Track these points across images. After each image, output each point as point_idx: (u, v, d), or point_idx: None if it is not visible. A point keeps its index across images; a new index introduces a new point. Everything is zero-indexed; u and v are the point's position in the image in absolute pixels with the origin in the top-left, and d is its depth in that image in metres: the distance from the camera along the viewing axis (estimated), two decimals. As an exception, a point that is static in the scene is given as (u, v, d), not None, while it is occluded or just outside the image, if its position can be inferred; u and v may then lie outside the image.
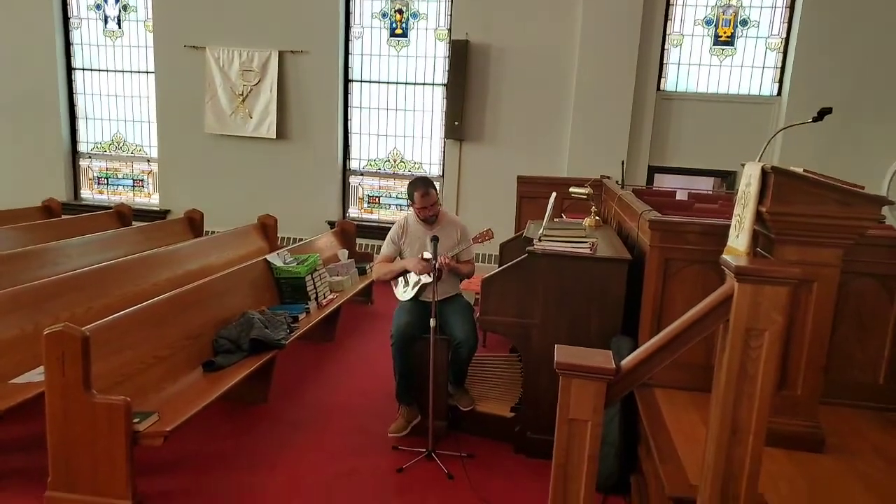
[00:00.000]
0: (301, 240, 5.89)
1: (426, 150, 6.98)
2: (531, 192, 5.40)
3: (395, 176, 7.12)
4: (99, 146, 7.69)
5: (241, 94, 6.90)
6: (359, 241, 6.46)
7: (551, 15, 6.29)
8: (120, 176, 7.71)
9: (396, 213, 7.15)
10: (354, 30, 6.89)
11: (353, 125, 7.06)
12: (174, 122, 7.20)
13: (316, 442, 3.33)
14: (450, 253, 3.38)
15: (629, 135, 6.24)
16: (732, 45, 6.36)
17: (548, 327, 3.15)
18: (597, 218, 4.17)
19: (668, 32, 6.38)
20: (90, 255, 4.65)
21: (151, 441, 2.59)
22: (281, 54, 6.78)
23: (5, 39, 7.33)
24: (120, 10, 7.34)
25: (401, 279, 3.55)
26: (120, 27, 7.38)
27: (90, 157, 7.72)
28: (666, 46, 6.40)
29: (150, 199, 7.65)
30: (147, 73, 7.34)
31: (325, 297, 4.68)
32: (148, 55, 7.28)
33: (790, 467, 2.23)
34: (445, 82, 6.67)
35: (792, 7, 6.16)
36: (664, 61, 6.42)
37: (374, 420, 3.56)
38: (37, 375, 2.93)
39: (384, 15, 6.82)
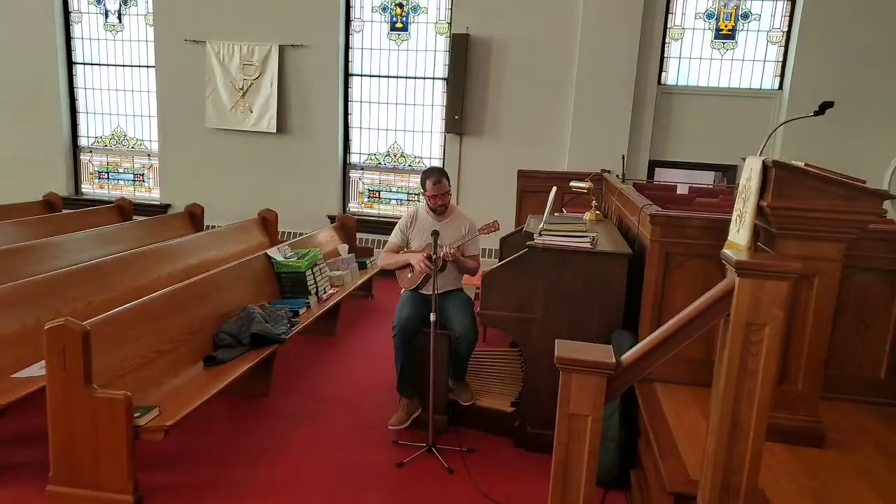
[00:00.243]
0: (301, 234, 5.88)
1: (426, 145, 6.96)
2: (531, 187, 5.40)
3: (395, 170, 7.10)
4: (99, 141, 7.68)
5: (242, 89, 6.89)
6: (359, 235, 6.45)
7: (552, 8, 6.26)
8: (120, 170, 7.70)
9: (397, 207, 7.14)
10: (355, 24, 6.86)
11: (354, 119, 7.05)
12: (175, 117, 7.18)
13: (317, 436, 3.34)
14: (456, 243, 3.38)
15: (630, 129, 6.21)
16: (733, 38, 6.32)
17: (548, 322, 3.15)
18: (597, 212, 4.17)
19: (668, 26, 6.35)
20: (91, 250, 4.65)
21: (152, 435, 2.59)
22: (281, 48, 6.76)
23: (6, 34, 7.31)
24: (120, 5, 7.31)
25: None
26: (120, 21, 7.35)
27: (91, 152, 7.71)
28: (667, 40, 6.37)
29: (150, 193, 7.64)
30: (147, 67, 7.32)
31: (325, 292, 4.69)
32: (148, 49, 7.26)
33: (791, 462, 2.23)
34: (446, 76, 6.64)
35: (793, 0, 6.12)
36: (665, 55, 6.39)
37: (375, 414, 3.57)
38: (38, 370, 2.93)
39: (384, 9, 6.79)
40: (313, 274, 4.58)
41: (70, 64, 7.47)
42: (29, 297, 3.30)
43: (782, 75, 6.25)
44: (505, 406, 3.46)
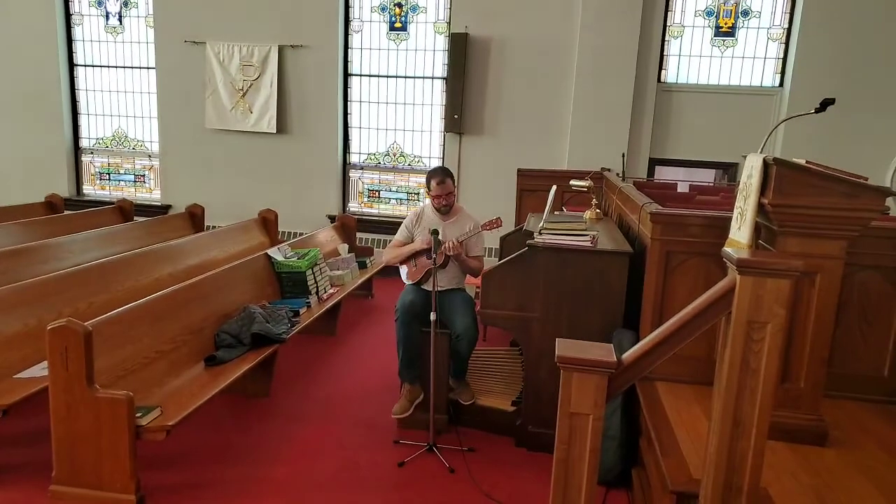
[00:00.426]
0: (302, 234, 5.88)
1: (426, 144, 6.96)
2: (531, 185, 5.39)
3: (394, 170, 7.10)
4: (101, 142, 7.68)
5: (242, 89, 6.89)
6: (359, 235, 6.45)
7: (551, 7, 6.25)
8: (121, 171, 7.71)
9: (397, 207, 7.14)
10: (354, 24, 6.86)
11: (353, 119, 7.04)
12: (175, 118, 7.19)
13: (317, 435, 3.34)
14: (459, 237, 3.41)
15: (630, 127, 6.21)
16: (733, 35, 6.31)
17: (548, 321, 3.15)
18: (597, 211, 4.16)
19: (668, 24, 6.34)
20: (92, 251, 4.66)
21: (154, 435, 2.60)
22: (281, 49, 6.76)
23: (8, 37, 7.32)
24: (121, 7, 7.31)
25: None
26: (121, 23, 7.36)
27: (92, 153, 7.72)
28: (666, 38, 6.36)
29: (151, 194, 7.65)
30: (148, 68, 7.33)
31: (325, 292, 4.69)
32: (149, 51, 7.27)
33: (793, 461, 2.23)
34: (445, 76, 6.64)
35: (794, -3, 6.11)
36: (665, 53, 6.38)
37: (376, 413, 3.57)
38: (40, 370, 2.94)
39: (383, 9, 6.78)
40: (313, 274, 4.58)
41: (71, 66, 7.48)
42: (31, 298, 3.30)
43: (783, 72, 6.24)
44: (506, 405, 3.45)
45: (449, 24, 6.57)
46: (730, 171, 6.43)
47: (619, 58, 6.09)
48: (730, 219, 2.44)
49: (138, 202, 7.04)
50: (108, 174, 7.73)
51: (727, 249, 1.80)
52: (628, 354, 1.78)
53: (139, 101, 7.48)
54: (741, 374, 1.70)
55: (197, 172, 7.20)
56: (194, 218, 6.14)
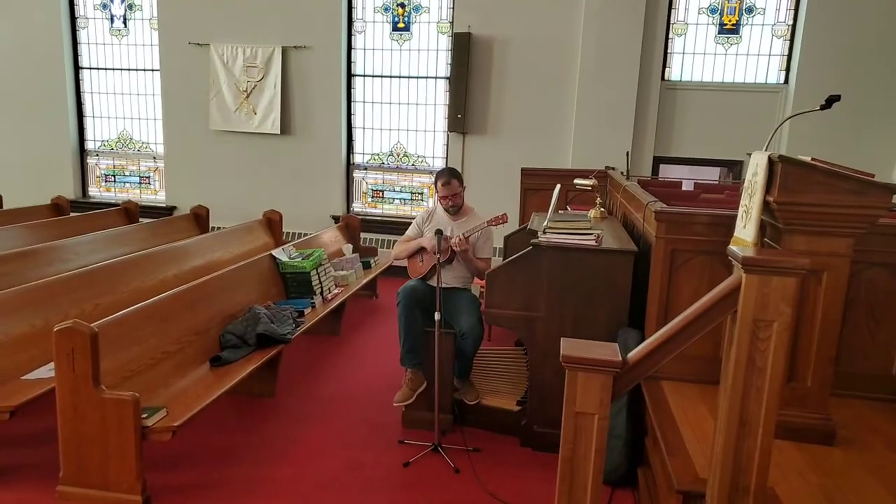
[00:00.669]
0: (306, 235, 5.90)
1: (429, 144, 6.96)
2: (535, 185, 5.38)
3: (398, 170, 7.10)
4: (106, 144, 7.72)
5: (245, 91, 6.91)
6: (363, 235, 6.46)
7: (554, 5, 6.24)
8: (126, 173, 7.75)
9: (401, 207, 7.15)
10: (357, 24, 6.86)
11: (357, 119, 7.05)
12: (179, 119, 7.22)
13: (322, 435, 3.34)
14: (466, 233, 3.42)
15: (634, 125, 6.19)
16: (738, 33, 6.28)
17: (553, 320, 3.14)
18: (602, 209, 4.15)
19: (672, 21, 6.31)
20: (98, 252, 4.68)
21: (160, 436, 2.61)
22: (284, 50, 6.77)
23: (15, 40, 7.37)
24: (125, 10, 7.35)
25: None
26: (125, 26, 7.39)
27: (97, 155, 7.76)
28: (670, 36, 6.34)
29: (156, 195, 7.68)
30: (153, 70, 7.36)
31: (330, 292, 4.69)
32: (153, 53, 7.30)
33: (800, 460, 2.21)
34: (448, 75, 6.64)
35: (799, -6, 6.08)
36: (668, 51, 6.36)
37: (381, 413, 3.57)
38: (47, 371, 2.95)
39: (386, 9, 6.79)
40: (318, 274, 4.59)
41: (77, 69, 7.52)
42: (38, 300, 3.32)
43: (787, 69, 6.21)
44: (511, 405, 3.45)
45: (452, 23, 6.57)
46: (735, 168, 6.40)
47: (622, 56, 6.07)
48: (735, 217, 2.43)
49: (143, 204, 7.06)
50: (114, 176, 7.77)
51: (732, 248, 1.79)
52: (633, 353, 1.77)
53: (144, 103, 7.52)
54: (747, 372, 1.69)
55: (201, 174, 7.22)
56: (199, 219, 6.16)
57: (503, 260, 3.48)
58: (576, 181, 4.22)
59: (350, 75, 6.94)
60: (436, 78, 6.81)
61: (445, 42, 6.69)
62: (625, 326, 3.08)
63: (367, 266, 5.63)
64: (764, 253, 1.77)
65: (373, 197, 7.22)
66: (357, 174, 7.19)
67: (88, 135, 7.70)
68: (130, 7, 7.33)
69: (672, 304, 2.81)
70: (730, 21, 6.28)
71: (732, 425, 1.71)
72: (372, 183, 7.20)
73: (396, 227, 6.62)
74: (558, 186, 3.74)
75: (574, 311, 3.12)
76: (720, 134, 6.25)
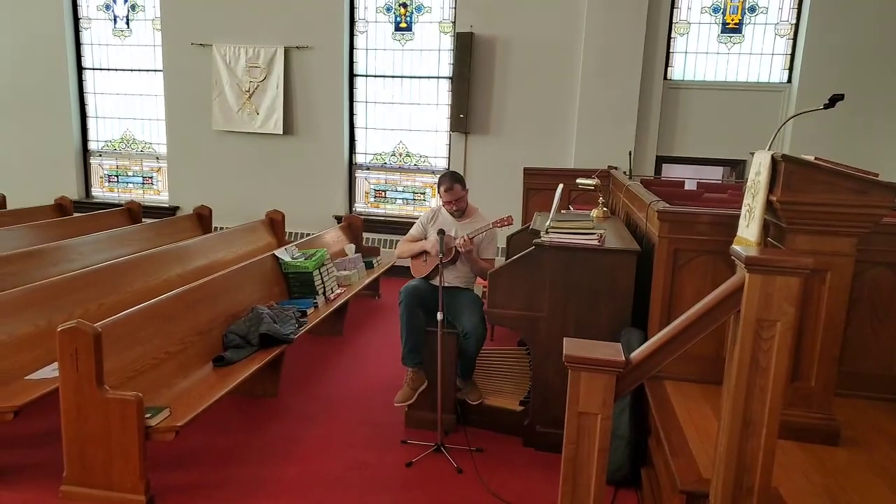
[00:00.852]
0: (308, 235, 5.90)
1: (432, 144, 6.96)
2: (538, 184, 5.38)
3: (400, 170, 7.10)
4: (109, 144, 7.74)
5: (248, 91, 6.92)
6: (365, 235, 6.46)
7: (556, 5, 6.23)
8: (129, 173, 7.76)
9: (403, 207, 7.15)
10: (359, 24, 6.87)
11: (359, 120, 7.05)
12: (182, 120, 7.23)
13: (325, 435, 3.34)
14: (471, 234, 3.43)
15: (636, 125, 6.18)
16: (740, 32, 6.27)
17: (556, 320, 3.14)
18: (604, 209, 4.15)
19: (674, 21, 6.30)
20: (101, 253, 4.69)
21: (163, 436, 2.61)
22: (287, 50, 6.78)
23: (18, 41, 7.39)
24: (128, 10, 7.37)
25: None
26: (128, 27, 7.41)
27: (101, 156, 7.78)
28: (672, 35, 6.33)
29: (159, 195, 7.70)
30: (155, 71, 7.37)
31: (332, 292, 4.70)
32: (156, 54, 7.31)
33: (804, 460, 2.21)
34: (450, 75, 6.64)
35: (802, -8, 6.07)
36: (671, 50, 6.34)
37: (384, 413, 3.57)
38: (51, 371, 2.96)
39: (388, 9, 6.79)
40: (321, 274, 4.60)
41: (80, 69, 7.54)
42: (41, 300, 3.33)
43: (791, 68, 6.19)
44: (514, 405, 3.45)
45: (454, 23, 6.56)
46: (738, 168, 6.38)
47: (625, 55, 6.06)
48: (738, 216, 2.42)
49: (146, 204, 7.08)
50: (117, 176, 7.79)
51: (736, 247, 1.79)
52: (636, 353, 1.77)
53: (147, 103, 7.53)
54: (751, 372, 1.68)
55: (204, 174, 7.23)
56: (202, 219, 6.17)
57: (506, 260, 3.48)
58: (578, 181, 4.22)
59: (352, 75, 6.94)
60: (438, 78, 6.81)
61: (448, 42, 6.69)
62: (628, 326, 3.07)
63: (369, 266, 5.64)
64: (767, 252, 1.76)
65: (375, 197, 7.22)
66: (359, 174, 7.19)
67: (91, 135, 7.72)
68: (133, 8, 7.35)
69: (675, 303, 2.81)
70: (732, 20, 6.26)
71: (736, 425, 1.71)
72: (374, 183, 7.20)
73: (399, 227, 6.62)
74: (561, 186, 3.74)
75: (577, 311, 3.12)
76: (723, 133, 6.24)
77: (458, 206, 3.58)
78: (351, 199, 7.17)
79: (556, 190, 3.69)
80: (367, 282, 5.33)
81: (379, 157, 7.12)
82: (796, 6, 6.11)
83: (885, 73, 5.87)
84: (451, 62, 6.59)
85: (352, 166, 7.14)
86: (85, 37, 7.49)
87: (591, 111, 6.20)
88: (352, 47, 6.88)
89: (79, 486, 2.66)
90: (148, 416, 2.60)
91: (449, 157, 6.82)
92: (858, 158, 3.03)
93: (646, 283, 2.97)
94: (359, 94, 6.99)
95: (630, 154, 5.51)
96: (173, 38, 7.07)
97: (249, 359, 3.42)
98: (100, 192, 7.83)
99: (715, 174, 6.59)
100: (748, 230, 2.29)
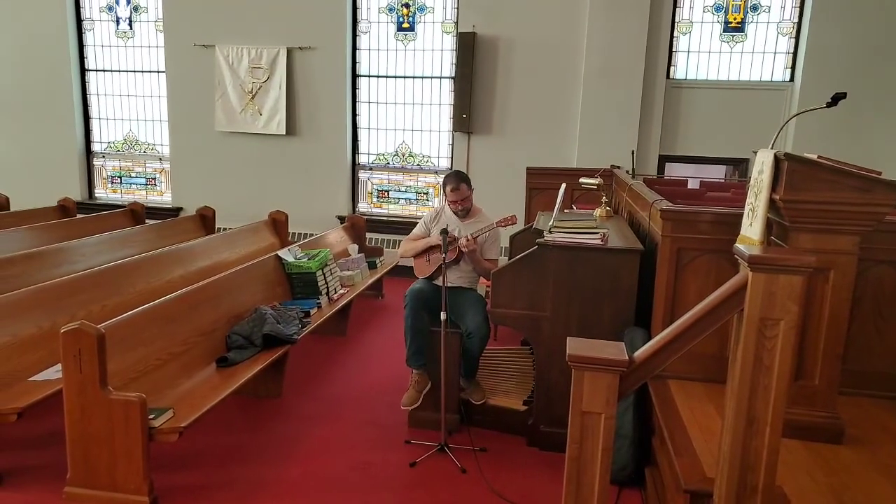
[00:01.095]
0: (312, 235, 5.91)
1: (434, 144, 6.96)
2: (541, 184, 5.37)
3: (403, 170, 7.11)
4: (112, 146, 7.76)
5: (251, 92, 6.93)
6: (368, 235, 6.46)
7: (558, 4, 6.22)
8: (133, 175, 7.79)
9: (406, 206, 7.15)
10: (362, 25, 6.87)
11: (362, 120, 7.06)
12: (185, 121, 7.25)
13: (329, 436, 3.35)
14: (474, 234, 3.43)
15: (639, 124, 6.17)
16: (743, 31, 6.25)
17: (559, 319, 3.14)
18: (607, 208, 4.14)
19: (676, 20, 6.29)
20: (105, 254, 4.70)
21: (167, 437, 2.62)
22: (289, 51, 6.79)
23: (21, 43, 7.42)
24: (131, 12, 7.39)
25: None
26: (131, 28, 7.43)
27: (104, 157, 7.80)
28: (675, 34, 6.32)
29: (162, 196, 7.72)
30: (158, 72, 7.40)
31: (336, 292, 4.70)
32: (159, 55, 7.33)
33: (809, 459, 2.20)
34: (453, 75, 6.64)
35: (805, -10, 6.05)
36: (673, 49, 6.33)
37: (387, 413, 3.57)
38: (54, 373, 2.97)
39: (391, 9, 6.79)
40: (324, 274, 4.60)
41: (83, 71, 7.57)
42: (45, 302, 3.34)
43: (793, 67, 6.18)
44: (517, 404, 3.45)
45: (456, 23, 6.57)
46: (741, 167, 6.37)
47: (627, 54, 6.05)
48: (741, 215, 2.42)
49: (150, 205, 7.10)
50: (120, 177, 7.81)
51: (739, 246, 1.78)
52: (640, 353, 1.76)
53: (150, 104, 7.55)
54: (754, 371, 1.68)
55: (207, 175, 7.25)
56: (205, 220, 6.18)
57: (509, 259, 3.48)
58: (581, 180, 4.21)
59: (355, 76, 6.95)
60: (440, 78, 6.81)
61: (450, 42, 6.69)
62: (631, 325, 3.07)
63: (372, 266, 5.64)
64: (770, 251, 1.76)
65: (378, 197, 7.23)
66: (362, 174, 7.20)
67: (95, 136, 7.75)
68: (136, 9, 7.37)
69: (678, 302, 2.80)
70: (735, 19, 6.25)
71: (740, 424, 1.70)
72: (377, 183, 7.21)
73: (402, 227, 6.62)
74: (564, 185, 3.74)
75: (580, 311, 3.11)
76: (726, 132, 6.22)
77: (464, 206, 3.59)
78: (354, 199, 7.18)
79: (559, 189, 3.69)
80: (370, 282, 5.34)
81: (382, 157, 7.13)
82: (798, 5, 6.09)
83: (888, 72, 5.85)
84: (454, 62, 6.59)
85: (355, 166, 7.14)
86: (88, 38, 7.52)
87: (594, 110, 6.20)
88: (354, 47, 6.89)
89: (82, 488, 2.66)
90: (151, 417, 2.61)
91: (452, 157, 6.82)
92: (861, 157, 3.02)
93: (649, 282, 2.97)
94: (361, 95, 7.00)
95: (633, 153, 5.50)
96: (176, 40, 7.09)
97: (253, 359, 3.43)
98: (103, 193, 7.86)
99: (718, 173, 6.58)
100: (751, 229, 2.28)
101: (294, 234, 6.66)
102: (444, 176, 3.78)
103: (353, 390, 3.93)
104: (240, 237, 5.43)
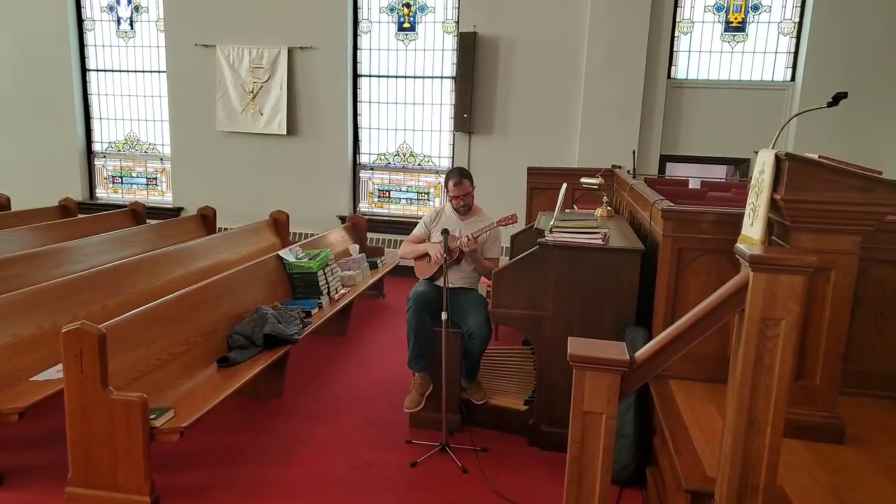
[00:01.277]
0: (312, 235, 5.91)
1: (435, 144, 6.96)
2: (541, 184, 5.38)
3: (404, 170, 7.11)
4: (113, 146, 7.77)
5: (252, 92, 6.93)
6: (370, 235, 6.47)
7: (559, 4, 6.22)
8: (134, 174, 7.79)
9: (407, 206, 7.15)
10: (362, 25, 6.88)
11: (363, 120, 7.06)
12: (186, 121, 7.25)
13: (330, 435, 3.35)
14: (475, 234, 3.43)
15: (640, 124, 6.17)
16: (744, 30, 6.25)
17: (560, 319, 3.14)
18: (608, 208, 4.14)
19: (677, 20, 6.29)
20: (106, 254, 4.71)
21: (168, 437, 2.62)
22: (290, 51, 6.79)
23: (22, 42, 7.43)
24: (132, 12, 7.39)
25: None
26: (132, 28, 7.44)
27: (105, 157, 7.81)
28: (676, 34, 6.31)
29: (163, 196, 7.72)
30: (159, 72, 7.40)
31: (337, 292, 4.70)
32: (160, 55, 7.34)
33: (810, 459, 2.20)
34: (454, 75, 6.64)
35: (806, -10, 6.04)
36: (674, 49, 6.33)
37: (388, 413, 3.58)
38: (56, 373, 2.97)
39: (392, 9, 6.79)
40: (325, 274, 4.60)
41: (84, 71, 7.57)
42: (46, 302, 3.34)
43: (794, 67, 6.17)
44: (518, 404, 3.45)
45: (457, 23, 6.57)
46: (742, 166, 6.37)
47: (628, 54, 6.05)
48: (742, 215, 2.42)
49: (151, 205, 7.10)
50: (121, 177, 7.82)
51: (740, 246, 1.78)
52: (641, 352, 1.76)
53: (151, 104, 7.56)
54: (755, 371, 1.68)
55: (208, 175, 7.25)
56: (206, 220, 6.18)
57: (510, 259, 3.48)
58: (582, 180, 4.21)
59: (356, 75, 6.95)
60: (441, 78, 6.81)
61: (451, 42, 6.69)
62: (632, 325, 3.07)
63: (373, 266, 5.64)
64: (771, 251, 1.76)
65: (379, 197, 7.23)
66: (363, 174, 7.20)
67: (96, 136, 7.75)
68: (137, 9, 7.38)
69: (679, 302, 2.80)
70: (736, 19, 6.25)
71: (741, 424, 1.70)
72: (378, 183, 7.21)
73: (403, 227, 6.63)
74: (564, 185, 3.73)
75: (581, 310, 3.11)
76: (727, 132, 6.22)
77: (465, 202, 3.58)
78: (355, 199, 7.18)
79: (559, 189, 3.68)
80: (371, 282, 5.34)
81: (383, 157, 7.13)
82: (800, 4, 6.09)
83: (889, 71, 5.85)
84: (455, 62, 6.59)
85: (356, 166, 7.15)
86: (89, 38, 7.53)
87: (595, 110, 6.20)
88: (355, 47, 6.89)
89: (84, 488, 2.67)
90: (152, 416, 2.61)
91: (453, 157, 6.82)
92: (862, 156, 3.02)
93: (650, 281, 2.97)
94: (362, 95, 7.00)
95: (634, 153, 5.49)
96: (177, 40, 7.10)
97: (254, 359, 3.43)
98: (104, 193, 7.86)
99: (719, 173, 6.58)
100: (752, 229, 2.28)
101: (295, 234, 6.66)
102: (446, 172, 3.75)
103: (354, 390, 3.93)
104: (241, 237, 5.43)
